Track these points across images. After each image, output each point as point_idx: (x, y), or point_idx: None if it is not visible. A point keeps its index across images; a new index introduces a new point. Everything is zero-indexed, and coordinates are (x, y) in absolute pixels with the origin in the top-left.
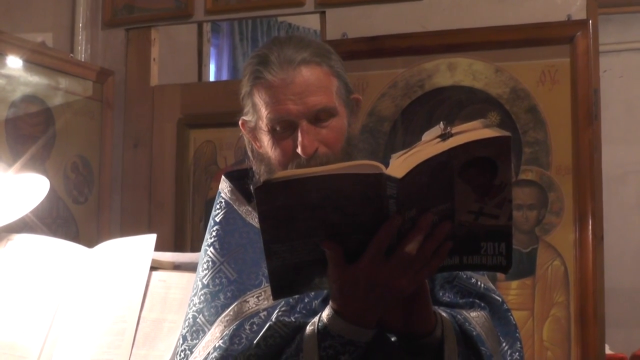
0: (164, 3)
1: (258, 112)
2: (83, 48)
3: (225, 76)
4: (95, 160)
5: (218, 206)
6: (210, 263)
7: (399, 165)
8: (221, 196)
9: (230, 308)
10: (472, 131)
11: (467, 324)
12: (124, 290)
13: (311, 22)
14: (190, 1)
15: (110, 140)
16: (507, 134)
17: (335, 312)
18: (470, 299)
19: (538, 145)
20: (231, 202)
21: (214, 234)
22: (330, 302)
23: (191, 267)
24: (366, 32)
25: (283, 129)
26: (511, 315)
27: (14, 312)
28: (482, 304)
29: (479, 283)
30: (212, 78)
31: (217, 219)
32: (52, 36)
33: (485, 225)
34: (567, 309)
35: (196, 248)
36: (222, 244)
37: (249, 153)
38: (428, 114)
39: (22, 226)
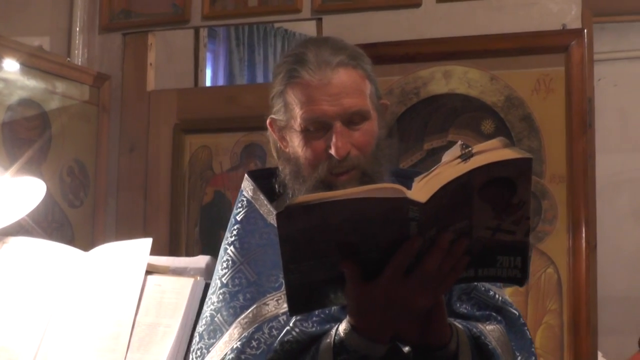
0: (161, 8)
1: (291, 111)
2: (80, 52)
3: (221, 81)
4: (91, 164)
5: (240, 205)
6: (230, 262)
7: (421, 188)
8: (243, 195)
9: (250, 310)
10: (493, 151)
11: (482, 337)
12: (119, 294)
13: (308, 28)
14: (187, 7)
15: (106, 144)
16: (528, 155)
17: (352, 328)
18: (487, 312)
19: (532, 153)
20: (253, 201)
21: (234, 232)
22: (347, 317)
23: (186, 272)
24: (362, 39)
25: (316, 129)
26: (527, 329)
27: (9, 315)
28: (499, 318)
29: (497, 296)
30: (208, 83)
31: (239, 218)
32: (49, 40)
33: (502, 241)
34: (560, 317)
35: (191, 253)
36: (243, 244)
37: (274, 153)
38: (423, 121)
39: (18, 229)
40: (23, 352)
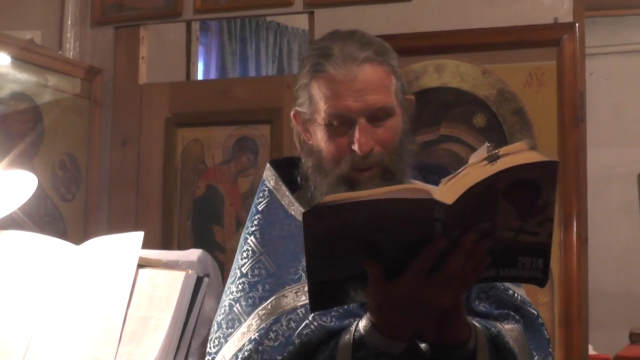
0: (153, 2)
1: (315, 105)
2: (72, 46)
3: (213, 75)
4: (83, 158)
5: (261, 194)
6: (250, 252)
7: (448, 189)
8: (265, 184)
9: (268, 302)
10: (519, 153)
11: (500, 337)
12: (110, 287)
13: (300, 22)
14: (179, 0)
15: (98, 138)
16: (555, 158)
17: (373, 325)
18: (506, 311)
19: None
20: (275, 191)
21: (255, 222)
22: (368, 314)
23: (178, 265)
24: None
25: (340, 124)
26: (545, 329)
27: (0, 309)
28: (517, 317)
29: (516, 295)
30: (200, 77)
31: (260, 208)
32: (41, 34)
33: (524, 242)
34: (551, 310)
35: (183, 246)
36: (263, 234)
37: (297, 145)
38: (415, 115)
39: (9, 223)
40: (15, 346)
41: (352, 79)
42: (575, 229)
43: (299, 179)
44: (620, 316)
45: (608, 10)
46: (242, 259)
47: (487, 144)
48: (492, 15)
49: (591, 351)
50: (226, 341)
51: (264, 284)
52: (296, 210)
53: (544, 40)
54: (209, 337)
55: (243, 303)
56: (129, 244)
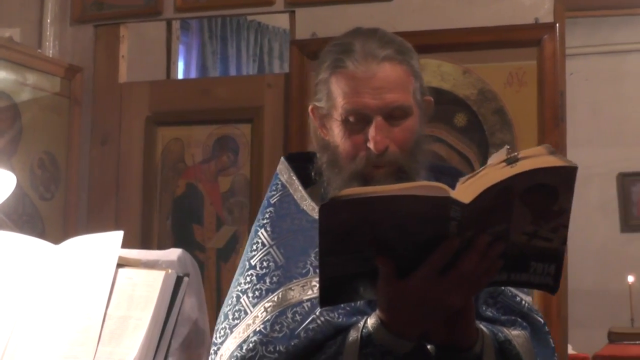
0: (133, 0)
1: (333, 100)
2: (51, 44)
3: (193, 74)
4: (62, 156)
5: (274, 188)
6: (260, 245)
7: (466, 189)
8: (278, 178)
9: (275, 294)
10: (538, 157)
11: (507, 342)
12: (89, 287)
13: (281, 21)
14: None
15: (77, 137)
16: (574, 164)
17: (382, 323)
18: (513, 317)
19: (504, 146)
20: (287, 185)
21: (267, 215)
22: (377, 312)
23: (158, 265)
24: (336, 32)
25: (357, 121)
26: (551, 338)
27: None
28: (524, 324)
29: (523, 302)
30: (180, 76)
31: (272, 201)
32: (20, 31)
33: (538, 247)
34: None
35: (163, 245)
36: (274, 227)
37: (314, 140)
38: None
39: None
40: None
41: (371, 76)
42: None
43: (312, 174)
44: (598, 315)
45: (588, 11)
46: (251, 251)
47: (506, 146)
48: (473, 15)
49: (570, 351)
50: (232, 332)
51: (271, 276)
52: (308, 205)
53: (525, 40)
54: (215, 328)
55: (250, 295)
56: (108, 243)
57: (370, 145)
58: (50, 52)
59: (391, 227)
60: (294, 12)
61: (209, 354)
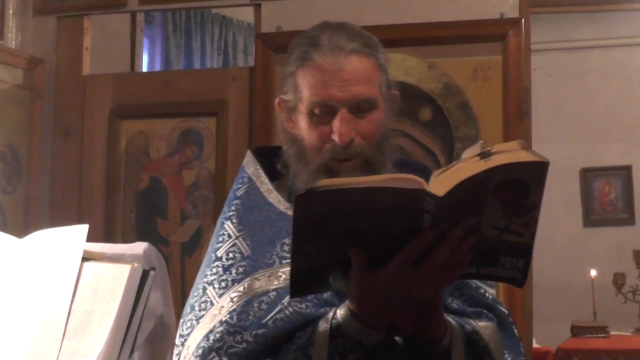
0: None
1: (300, 93)
2: (13, 35)
3: (158, 67)
4: (24, 149)
5: (240, 181)
6: (225, 236)
7: (440, 182)
8: (244, 171)
9: (241, 284)
10: (511, 152)
11: (474, 334)
12: (54, 281)
13: (246, 14)
14: None
15: (39, 129)
16: (546, 159)
17: (351, 313)
18: (479, 309)
19: (469, 140)
20: (254, 178)
21: (233, 208)
22: (347, 302)
23: (123, 259)
24: (301, 25)
25: (323, 113)
26: (515, 329)
27: None
28: (490, 315)
29: (487, 294)
30: (145, 69)
31: (238, 194)
32: None
33: (507, 241)
34: None
35: (127, 239)
36: (241, 219)
37: (280, 133)
38: None
39: None
40: None
41: (338, 68)
42: None
43: (279, 167)
44: (561, 309)
45: (552, 7)
46: (217, 243)
47: (480, 141)
48: (439, 9)
49: (534, 344)
50: (198, 323)
51: (237, 267)
52: (274, 197)
53: (490, 35)
54: (181, 320)
55: (216, 286)
56: (73, 237)
57: (335, 137)
58: (12, 43)
59: (365, 218)
60: (259, 5)
61: (173, 348)
